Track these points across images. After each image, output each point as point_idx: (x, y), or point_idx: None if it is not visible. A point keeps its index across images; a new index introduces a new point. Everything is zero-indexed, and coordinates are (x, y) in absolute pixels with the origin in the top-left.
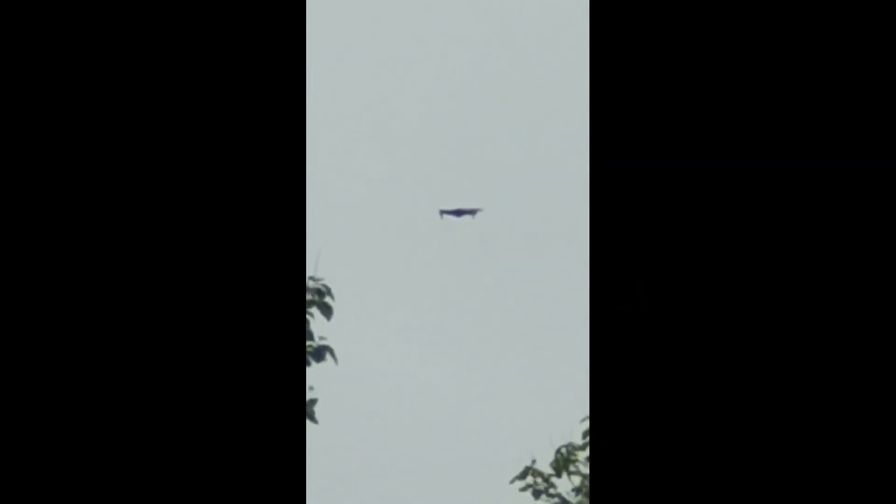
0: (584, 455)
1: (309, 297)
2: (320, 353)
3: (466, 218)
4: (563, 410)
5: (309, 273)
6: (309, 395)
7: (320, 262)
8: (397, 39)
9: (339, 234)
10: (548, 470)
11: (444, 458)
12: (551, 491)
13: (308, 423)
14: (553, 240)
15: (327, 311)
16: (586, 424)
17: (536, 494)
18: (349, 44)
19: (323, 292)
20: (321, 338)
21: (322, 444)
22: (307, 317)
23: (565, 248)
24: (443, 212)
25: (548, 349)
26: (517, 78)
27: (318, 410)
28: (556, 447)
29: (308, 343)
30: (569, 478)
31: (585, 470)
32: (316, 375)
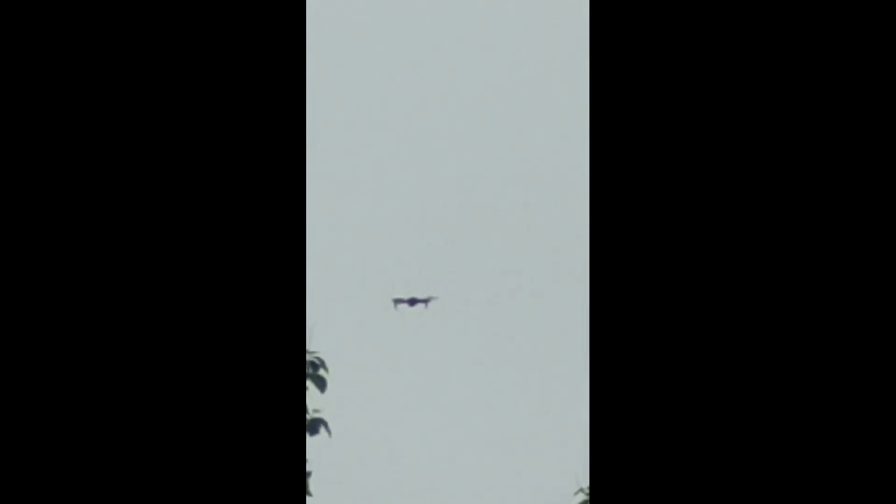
0: None
1: None
2: (315, 425)
3: (420, 307)
4: (557, 483)
5: None
6: None
7: (314, 336)
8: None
9: (331, 309)
10: None
11: None
12: None
13: None
14: (545, 307)
15: (321, 383)
16: (580, 497)
17: None
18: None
19: (317, 365)
20: (315, 410)
21: None
22: None
23: (558, 325)
24: (396, 301)
25: (541, 421)
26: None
27: (312, 483)
28: None
29: None
30: None
31: None
32: (310, 448)
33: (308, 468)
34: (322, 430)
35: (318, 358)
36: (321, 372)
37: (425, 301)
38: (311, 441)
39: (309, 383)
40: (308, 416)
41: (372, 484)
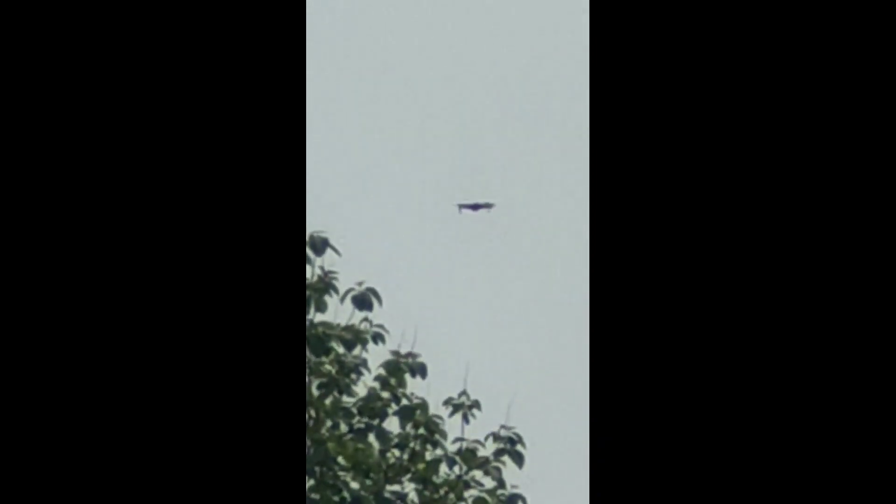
0: None
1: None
2: (513, 500)
3: (482, 212)
4: None
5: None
6: None
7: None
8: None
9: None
10: None
11: None
12: None
13: None
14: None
15: (519, 460)
16: None
17: None
18: (350, 43)
19: (514, 440)
20: (513, 486)
21: None
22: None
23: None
24: (461, 206)
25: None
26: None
27: None
28: None
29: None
30: None
31: None
32: None
33: None
34: None
35: (515, 434)
36: (519, 447)
37: (487, 206)
38: None
39: (507, 458)
40: (507, 492)
41: None
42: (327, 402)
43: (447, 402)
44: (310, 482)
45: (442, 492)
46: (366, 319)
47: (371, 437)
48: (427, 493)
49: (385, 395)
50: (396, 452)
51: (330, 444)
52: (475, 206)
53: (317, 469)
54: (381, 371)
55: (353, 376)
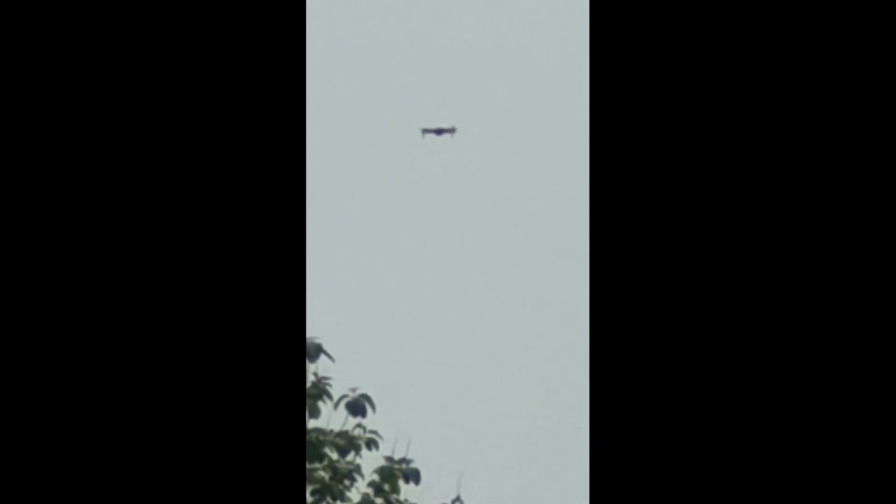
0: None
1: None
2: None
3: (446, 136)
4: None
5: None
6: None
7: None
8: None
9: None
10: None
11: None
12: None
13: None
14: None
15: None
16: None
17: None
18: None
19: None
20: None
21: None
22: None
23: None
24: (424, 131)
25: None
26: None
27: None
28: None
29: None
30: None
31: None
32: None
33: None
34: None
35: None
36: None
37: (451, 130)
38: None
39: None
40: None
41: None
42: None
43: None
44: None
45: None
46: (359, 426)
47: None
48: None
49: (379, 501)
50: None
51: None
52: (439, 131)
53: None
54: (375, 477)
55: (347, 482)
